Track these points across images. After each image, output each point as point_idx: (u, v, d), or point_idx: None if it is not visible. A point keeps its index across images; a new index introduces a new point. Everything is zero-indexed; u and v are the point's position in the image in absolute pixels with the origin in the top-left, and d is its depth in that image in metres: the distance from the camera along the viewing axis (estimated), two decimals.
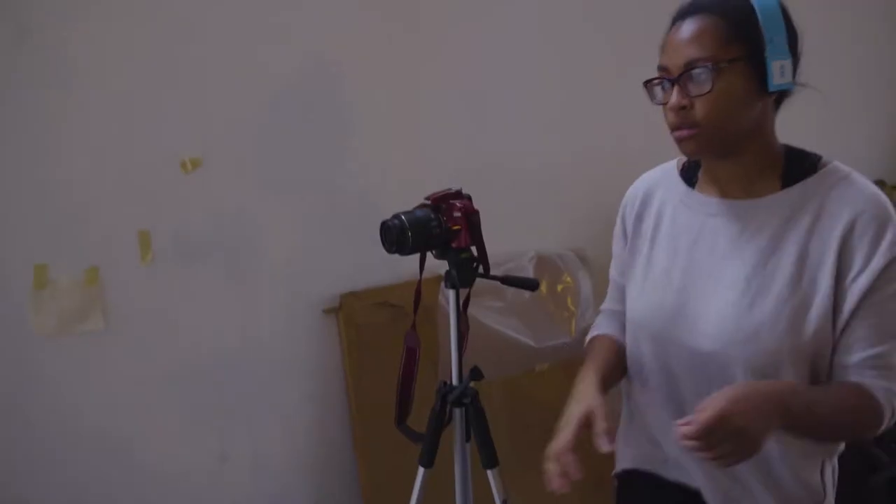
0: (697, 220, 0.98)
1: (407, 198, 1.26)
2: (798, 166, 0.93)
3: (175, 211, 1.58)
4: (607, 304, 1.20)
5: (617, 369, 1.08)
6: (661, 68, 0.91)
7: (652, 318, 1.01)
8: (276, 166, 1.67)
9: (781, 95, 0.93)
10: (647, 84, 0.94)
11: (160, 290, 1.59)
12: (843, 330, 0.88)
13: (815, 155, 0.94)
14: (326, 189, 1.73)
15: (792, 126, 1.00)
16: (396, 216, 1.20)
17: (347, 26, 1.69)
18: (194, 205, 1.59)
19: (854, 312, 0.86)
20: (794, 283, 0.88)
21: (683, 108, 0.88)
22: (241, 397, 1.70)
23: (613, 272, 1.17)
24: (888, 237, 0.86)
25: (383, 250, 1.22)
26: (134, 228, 1.54)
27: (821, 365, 0.90)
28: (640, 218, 1.08)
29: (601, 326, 1.17)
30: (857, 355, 0.87)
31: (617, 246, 1.16)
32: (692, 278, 0.96)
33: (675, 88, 0.89)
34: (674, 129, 0.91)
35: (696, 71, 0.87)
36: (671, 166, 1.08)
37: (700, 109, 0.87)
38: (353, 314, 1.74)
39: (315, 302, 1.73)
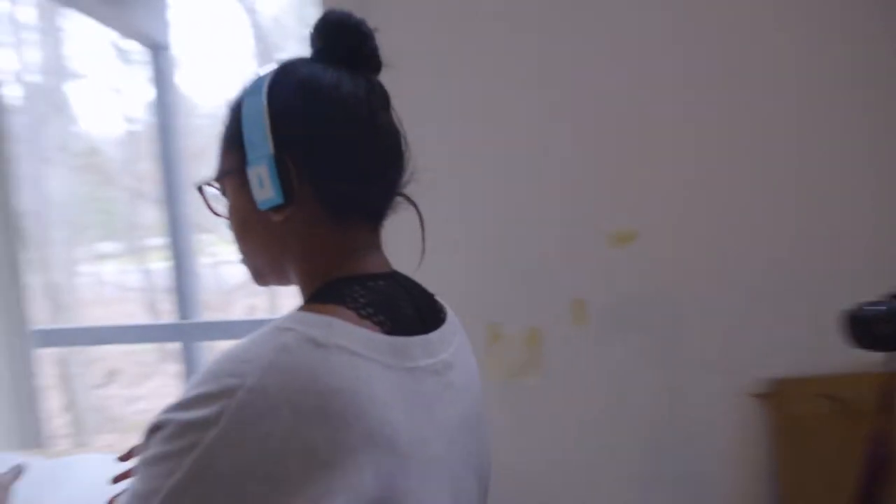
0: None
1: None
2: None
3: (608, 281, 1.67)
4: None
5: None
6: None
7: None
8: (709, 243, 1.65)
9: (343, 210, 0.66)
10: None
11: (589, 355, 1.70)
12: None
13: (328, 294, 0.63)
14: (764, 267, 1.64)
15: None
16: (869, 306, 1.06)
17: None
18: (627, 276, 1.67)
19: None
20: None
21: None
22: (659, 475, 1.70)
23: None
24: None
25: (829, 334, 1.08)
26: (570, 295, 1.69)
27: None
28: None
29: None
30: None
31: None
32: None
33: None
34: None
35: (205, 190, 0.72)
36: None
37: None
38: (789, 403, 1.59)
39: (743, 384, 1.64)
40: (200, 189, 0.72)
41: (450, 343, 0.69)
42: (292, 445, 0.51)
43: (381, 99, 0.68)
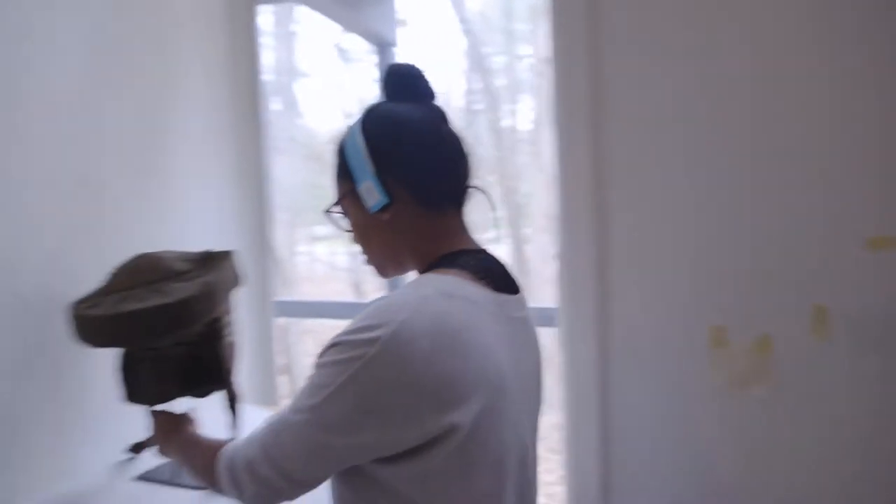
0: None
1: None
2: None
3: (856, 289, 1.49)
4: None
5: None
6: None
7: None
8: None
9: (432, 200, 0.88)
10: None
11: (830, 369, 1.52)
12: None
13: (446, 263, 0.85)
14: None
15: None
16: None
17: None
18: (879, 286, 1.47)
19: None
20: None
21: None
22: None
23: None
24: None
25: None
26: (809, 302, 1.53)
27: None
28: None
29: None
30: None
31: None
32: None
33: None
34: None
35: (331, 213, 0.94)
36: None
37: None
38: None
39: None
40: (328, 213, 0.94)
41: (526, 306, 0.91)
42: (429, 367, 0.72)
43: (440, 117, 0.90)
